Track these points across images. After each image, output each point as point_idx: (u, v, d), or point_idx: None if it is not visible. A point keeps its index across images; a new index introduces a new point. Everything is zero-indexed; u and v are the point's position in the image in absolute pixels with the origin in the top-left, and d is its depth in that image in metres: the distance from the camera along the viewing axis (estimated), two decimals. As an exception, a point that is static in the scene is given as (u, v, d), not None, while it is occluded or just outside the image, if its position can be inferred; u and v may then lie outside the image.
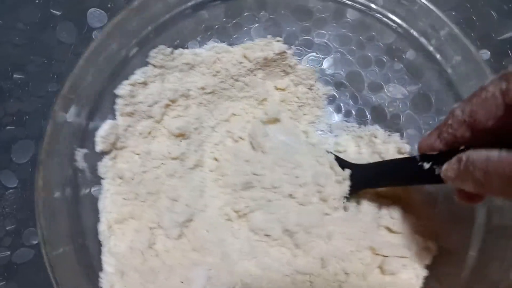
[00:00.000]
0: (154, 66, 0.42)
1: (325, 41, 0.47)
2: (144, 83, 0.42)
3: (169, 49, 0.43)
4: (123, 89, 0.41)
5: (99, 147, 0.40)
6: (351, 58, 0.47)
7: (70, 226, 0.35)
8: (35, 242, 0.44)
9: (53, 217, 0.34)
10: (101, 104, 0.41)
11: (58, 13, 0.48)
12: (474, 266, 0.36)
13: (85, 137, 0.40)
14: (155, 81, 0.43)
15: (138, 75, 0.42)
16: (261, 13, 0.46)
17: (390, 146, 0.44)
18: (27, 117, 0.46)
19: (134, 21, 0.41)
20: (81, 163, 0.39)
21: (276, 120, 0.46)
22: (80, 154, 0.39)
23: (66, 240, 0.34)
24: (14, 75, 0.47)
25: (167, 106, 0.44)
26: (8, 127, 0.46)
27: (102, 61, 0.40)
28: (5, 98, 0.46)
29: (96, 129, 0.40)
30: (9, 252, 0.44)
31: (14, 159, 0.45)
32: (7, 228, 0.44)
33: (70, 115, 0.36)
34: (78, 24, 0.48)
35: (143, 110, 0.42)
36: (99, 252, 0.37)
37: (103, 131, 0.40)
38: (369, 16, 0.45)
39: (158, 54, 0.42)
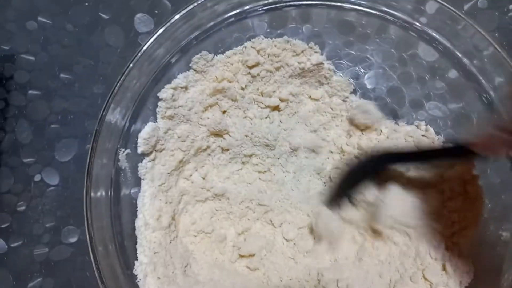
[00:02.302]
0: (196, 71, 0.43)
1: (368, 56, 0.47)
2: (185, 88, 0.43)
3: (211, 55, 0.43)
4: (165, 92, 0.42)
5: (140, 149, 0.41)
6: (392, 74, 0.47)
7: (112, 225, 0.36)
8: (73, 240, 0.44)
9: (98, 216, 0.35)
10: (144, 107, 0.42)
11: (106, 16, 0.49)
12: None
13: (128, 138, 0.41)
14: (196, 86, 0.44)
15: (180, 80, 0.43)
16: (305, 25, 0.47)
17: None
18: (71, 116, 0.47)
19: (181, 28, 0.42)
20: (123, 163, 0.41)
21: None
22: (123, 154, 0.40)
23: (108, 238, 0.35)
24: (61, 75, 0.48)
25: (206, 109, 0.45)
26: (52, 126, 0.47)
27: (148, 66, 0.41)
28: (52, 97, 0.48)
29: (138, 131, 0.42)
30: (47, 249, 0.44)
31: (57, 157, 0.46)
32: (47, 225, 0.45)
33: (116, 117, 0.37)
34: (125, 28, 0.49)
35: (183, 114, 0.43)
36: (135, 251, 0.38)
37: (145, 133, 0.41)
38: (412, 33, 0.45)
39: (200, 59, 0.43)
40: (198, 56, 0.43)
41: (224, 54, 0.44)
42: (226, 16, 0.45)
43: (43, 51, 0.48)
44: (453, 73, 0.45)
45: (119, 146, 0.40)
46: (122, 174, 0.41)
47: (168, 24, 0.41)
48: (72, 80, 0.48)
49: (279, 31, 0.47)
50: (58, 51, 0.48)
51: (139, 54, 0.40)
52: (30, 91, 0.48)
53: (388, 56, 0.47)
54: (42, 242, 0.44)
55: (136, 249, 0.39)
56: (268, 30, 0.47)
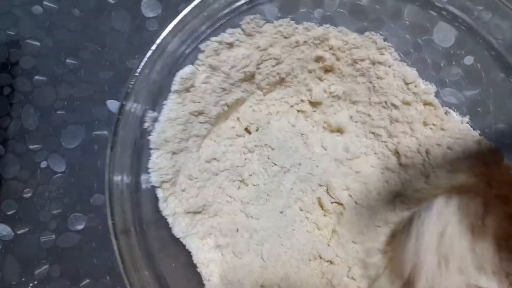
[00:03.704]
0: (244, 31, 0.40)
1: (381, 41, 0.46)
2: (231, 45, 0.40)
3: (263, 21, 0.41)
4: (209, 45, 0.39)
5: (175, 87, 0.38)
6: (407, 60, 0.46)
7: (133, 212, 0.35)
8: (80, 227, 0.44)
9: (120, 202, 0.34)
10: (160, 98, 0.40)
11: (113, 1, 0.48)
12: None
13: (144, 129, 0.39)
14: (240, 46, 0.40)
15: (227, 34, 0.40)
16: (317, 10, 0.46)
17: None
18: (78, 102, 0.46)
19: (194, 19, 0.41)
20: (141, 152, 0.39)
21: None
22: (140, 143, 0.38)
23: (130, 224, 0.34)
24: (67, 60, 0.47)
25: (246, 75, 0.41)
26: (58, 112, 0.46)
27: (162, 56, 0.38)
28: (57, 82, 0.47)
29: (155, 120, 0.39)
30: (54, 236, 0.44)
31: (63, 143, 0.45)
32: (53, 212, 0.44)
33: (135, 107, 0.36)
34: (132, 13, 0.48)
35: (223, 71, 0.40)
36: (155, 238, 0.37)
37: (184, 73, 0.38)
38: (432, 12, 0.44)
39: (252, 21, 0.40)
40: (251, 17, 0.40)
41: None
42: (238, 4, 0.43)
43: (49, 36, 0.48)
44: (469, 59, 0.44)
45: (137, 136, 0.38)
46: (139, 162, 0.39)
47: (181, 15, 0.40)
48: (78, 66, 0.47)
49: (290, 16, 0.46)
50: (64, 36, 0.48)
51: (154, 47, 0.37)
52: (36, 77, 0.47)
53: (402, 42, 0.46)
54: (49, 229, 0.44)
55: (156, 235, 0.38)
56: (279, 15, 0.46)
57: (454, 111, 0.44)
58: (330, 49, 0.42)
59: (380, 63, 0.42)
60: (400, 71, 0.42)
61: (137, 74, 0.36)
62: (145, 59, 0.36)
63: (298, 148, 0.43)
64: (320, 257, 0.40)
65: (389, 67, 0.42)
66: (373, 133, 0.43)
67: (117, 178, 0.34)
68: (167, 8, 0.48)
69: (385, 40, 0.44)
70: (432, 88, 0.43)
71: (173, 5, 0.48)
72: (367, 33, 0.43)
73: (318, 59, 0.43)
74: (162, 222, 0.39)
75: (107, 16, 0.48)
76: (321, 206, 0.42)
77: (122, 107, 0.35)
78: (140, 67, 0.36)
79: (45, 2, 0.48)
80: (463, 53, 0.44)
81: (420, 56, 0.45)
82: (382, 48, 0.42)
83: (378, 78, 0.42)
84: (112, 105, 0.46)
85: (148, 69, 0.37)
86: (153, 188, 0.38)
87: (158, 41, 0.36)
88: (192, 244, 0.38)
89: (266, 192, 0.41)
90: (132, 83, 0.35)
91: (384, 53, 0.42)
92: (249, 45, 0.40)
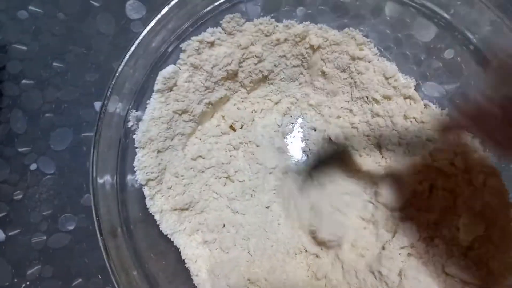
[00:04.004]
0: (224, 30, 0.41)
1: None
2: (212, 44, 0.40)
3: (243, 20, 0.42)
4: (190, 44, 0.39)
5: (157, 86, 0.39)
6: (388, 55, 0.47)
7: (119, 212, 0.36)
8: (71, 228, 0.45)
9: (106, 203, 0.35)
10: (144, 97, 0.40)
11: (97, 4, 0.49)
12: None
13: (128, 129, 0.39)
14: (222, 45, 0.41)
15: (207, 34, 0.40)
16: (299, 8, 0.46)
17: None
18: (65, 105, 0.47)
19: (176, 16, 0.41)
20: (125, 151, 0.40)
21: None
22: (125, 142, 0.39)
23: (116, 224, 0.35)
24: (54, 64, 0.48)
25: (228, 74, 0.42)
26: (47, 115, 0.47)
27: (144, 56, 0.39)
28: (44, 86, 0.47)
29: (139, 119, 0.40)
30: (45, 237, 0.44)
31: (52, 146, 0.46)
32: (44, 213, 0.45)
33: (117, 107, 0.37)
34: (116, 15, 0.48)
35: (205, 69, 0.40)
36: (143, 237, 0.38)
37: (166, 73, 0.39)
38: (411, 9, 0.44)
39: (232, 20, 0.41)
40: (230, 15, 0.41)
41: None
42: (220, 2, 0.44)
43: (34, 41, 0.48)
44: (450, 52, 0.45)
45: (121, 135, 0.39)
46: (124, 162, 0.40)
47: (163, 13, 0.40)
48: (64, 69, 0.47)
49: (272, 15, 0.46)
50: (49, 40, 0.48)
51: (135, 45, 0.38)
52: (23, 81, 0.47)
53: (383, 37, 0.47)
54: (40, 230, 0.44)
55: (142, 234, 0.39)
56: (261, 13, 0.46)
57: (435, 104, 0.45)
58: (310, 47, 0.43)
59: (360, 58, 0.42)
60: (380, 66, 0.43)
61: (118, 73, 0.36)
62: (126, 57, 0.36)
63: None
64: (306, 251, 0.40)
65: (369, 62, 0.42)
66: (355, 128, 0.44)
67: (102, 178, 0.35)
68: (151, 10, 0.49)
69: (365, 35, 0.45)
70: (411, 82, 0.43)
71: (158, 7, 0.48)
72: (346, 29, 0.43)
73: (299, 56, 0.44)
74: (149, 221, 0.40)
75: (92, 19, 0.48)
76: None
77: (103, 106, 0.36)
78: (121, 66, 0.37)
79: (30, 7, 0.49)
80: (443, 47, 0.45)
81: (400, 51, 0.46)
82: (361, 44, 0.43)
83: (358, 73, 0.43)
84: (99, 106, 0.46)
85: (130, 68, 0.37)
86: (140, 187, 0.39)
87: (137, 41, 0.37)
88: (180, 241, 0.39)
89: (251, 188, 0.42)
90: (113, 82, 0.36)
91: (364, 49, 0.43)
92: (230, 44, 0.41)
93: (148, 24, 0.38)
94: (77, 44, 0.48)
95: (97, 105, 0.47)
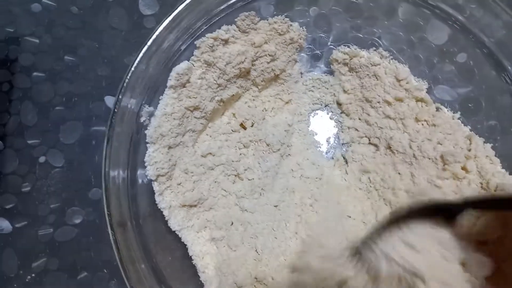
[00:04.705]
0: (239, 28, 0.41)
1: (375, 38, 0.47)
2: (226, 41, 0.40)
3: (258, 18, 0.42)
4: (204, 41, 0.39)
5: (171, 82, 0.38)
6: (400, 57, 0.46)
7: (129, 205, 0.36)
8: (78, 221, 0.45)
9: (116, 196, 0.35)
10: (156, 94, 0.40)
11: (111, -1, 0.49)
12: None
13: (140, 124, 0.39)
14: (236, 43, 0.41)
15: (222, 31, 0.40)
16: (312, 8, 0.46)
17: None
18: (76, 99, 0.47)
19: (189, 13, 0.41)
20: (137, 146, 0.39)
21: None
22: (137, 137, 0.39)
23: (126, 218, 0.35)
24: (66, 57, 0.48)
25: (241, 71, 0.42)
26: (57, 108, 0.47)
27: (158, 52, 0.39)
28: (56, 79, 0.47)
29: (151, 114, 0.40)
30: (52, 230, 0.44)
31: (62, 139, 0.46)
32: (51, 206, 0.45)
33: (130, 102, 0.37)
34: (129, 10, 0.48)
35: (218, 67, 0.40)
36: (151, 231, 0.38)
37: (180, 69, 0.38)
38: (425, 10, 0.44)
39: (247, 18, 0.41)
40: (246, 13, 0.41)
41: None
42: (234, 0, 0.44)
43: (47, 34, 0.48)
44: (462, 56, 0.44)
45: (133, 131, 0.39)
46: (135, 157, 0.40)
47: (178, 10, 0.40)
48: (76, 63, 0.48)
49: (286, 14, 0.46)
50: (62, 34, 0.48)
51: (151, 40, 0.38)
52: (34, 74, 0.47)
53: (396, 39, 0.46)
54: (47, 223, 0.44)
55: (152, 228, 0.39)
56: (275, 12, 0.46)
57: (446, 107, 0.44)
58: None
59: (372, 60, 0.42)
60: (392, 68, 0.42)
61: (132, 69, 0.36)
62: (141, 54, 0.37)
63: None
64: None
65: (381, 64, 0.42)
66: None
67: (113, 172, 0.35)
68: (164, 6, 0.49)
69: (379, 37, 0.45)
70: (424, 84, 0.43)
71: (171, 3, 0.49)
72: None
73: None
74: (158, 216, 0.40)
75: (105, 14, 0.48)
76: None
77: (118, 102, 0.36)
78: (136, 62, 0.37)
79: (43, 0, 0.49)
80: (456, 50, 0.44)
81: (413, 53, 0.46)
82: (377, 65, 0.43)
83: (370, 75, 0.43)
84: (110, 101, 0.47)
85: (144, 65, 0.37)
86: (150, 182, 0.39)
87: (153, 36, 0.37)
88: (187, 237, 0.39)
89: (260, 186, 0.42)
90: (128, 78, 0.36)
91: (376, 51, 0.43)
92: (244, 42, 0.41)
93: (163, 21, 0.38)
94: (89, 38, 0.48)
95: (108, 99, 0.47)
